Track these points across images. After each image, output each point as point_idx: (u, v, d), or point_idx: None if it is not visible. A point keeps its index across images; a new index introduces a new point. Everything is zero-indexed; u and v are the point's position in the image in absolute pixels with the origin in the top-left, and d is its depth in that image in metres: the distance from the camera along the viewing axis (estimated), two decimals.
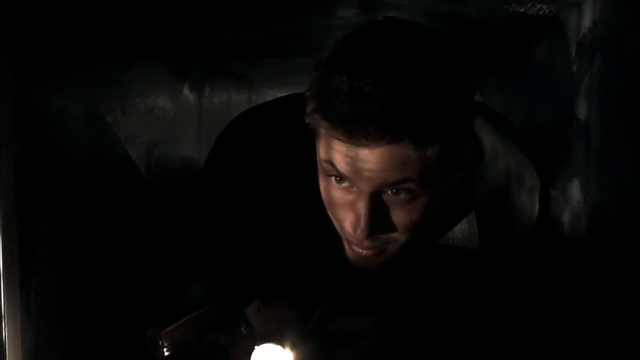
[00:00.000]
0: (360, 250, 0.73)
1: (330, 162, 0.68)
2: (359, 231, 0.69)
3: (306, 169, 0.76)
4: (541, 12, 0.91)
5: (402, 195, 0.68)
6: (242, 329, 0.80)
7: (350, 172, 0.66)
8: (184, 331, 0.76)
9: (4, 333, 0.64)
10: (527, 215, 0.83)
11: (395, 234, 0.71)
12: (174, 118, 1.21)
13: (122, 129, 0.94)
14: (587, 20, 0.84)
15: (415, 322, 0.81)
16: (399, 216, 0.70)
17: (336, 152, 0.66)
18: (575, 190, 0.87)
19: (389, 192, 0.68)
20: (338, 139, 0.65)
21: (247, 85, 1.90)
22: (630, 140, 0.73)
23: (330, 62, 0.66)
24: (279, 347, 0.73)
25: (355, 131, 0.63)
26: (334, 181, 0.70)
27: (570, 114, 0.89)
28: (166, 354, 0.70)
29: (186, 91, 1.30)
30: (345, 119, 0.63)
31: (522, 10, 0.90)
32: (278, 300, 0.86)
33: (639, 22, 0.72)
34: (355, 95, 0.62)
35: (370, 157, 0.64)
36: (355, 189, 0.68)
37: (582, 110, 0.85)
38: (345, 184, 0.69)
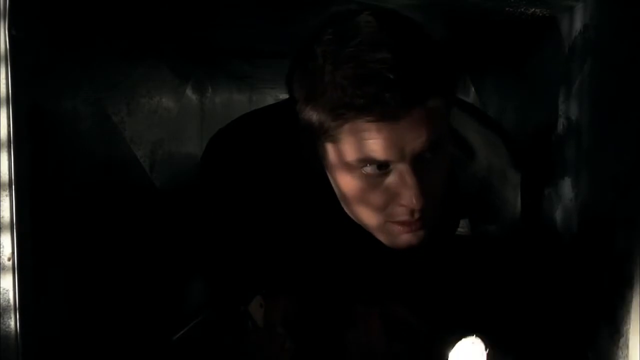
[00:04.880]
0: (411, 228, 0.73)
1: (368, 157, 0.68)
2: (414, 203, 0.69)
3: (297, 168, 0.78)
4: (534, 16, 0.93)
5: (436, 154, 0.70)
6: (249, 325, 0.83)
7: (393, 151, 0.67)
8: (193, 335, 0.78)
9: (17, 326, 0.67)
10: (511, 207, 0.86)
11: (433, 199, 0.73)
12: (177, 118, 1.23)
13: (128, 129, 0.97)
14: (578, 24, 0.86)
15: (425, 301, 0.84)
16: (434, 177, 0.72)
17: (372, 142, 0.67)
18: (567, 188, 0.89)
19: (426, 154, 0.69)
20: (376, 121, 0.66)
21: (248, 86, 1.92)
22: (619, 139, 0.75)
23: (326, 60, 0.67)
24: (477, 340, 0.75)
25: (395, 102, 0.65)
26: (372, 172, 0.70)
27: (562, 115, 0.91)
28: None
29: (189, 92, 1.32)
30: (379, 98, 0.64)
31: (516, 14, 0.92)
32: (278, 295, 0.88)
33: (627, 26, 0.74)
34: (375, 72, 0.64)
35: (411, 124, 0.66)
36: (393, 167, 0.69)
37: (573, 110, 0.88)
38: (385, 169, 0.70)
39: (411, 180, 0.69)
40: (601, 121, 0.81)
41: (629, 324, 0.71)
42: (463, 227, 0.85)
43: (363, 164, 0.69)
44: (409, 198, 0.70)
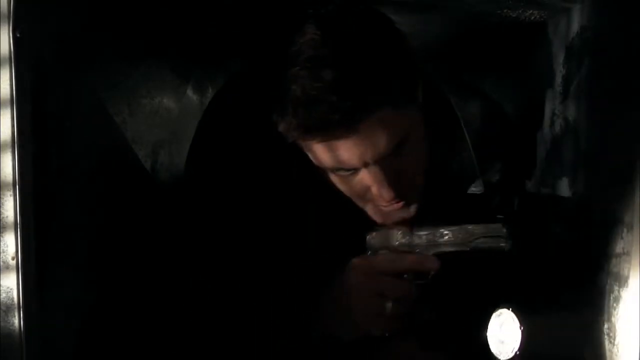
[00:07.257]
0: (392, 207, 0.77)
1: (336, 166, 0.73)
2: (384, 197, 0.74)
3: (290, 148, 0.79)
4: (532, 18, 0.94)
5: (404, 148, 0.73)
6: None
7: (356, 161, 0.71)
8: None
9: (20, 325, 0.67)
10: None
11: (411, 178, 0.77)
12: (178, 118, 1.24)
13: (129, 130, 0.97)
14: (575, 26, 0.87)
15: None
16: (407, 166, 0.75)
17: (335, 154, 0.70)
18: (564, 188, 0.90)
19: (392, 154, 0.72)
20: (329, 140, 0.69)
21: None
22: (616, 140, 0.76)
23: (278, 78, 0.69)
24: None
25: (341, 123, 0.67)
26: (344, 173, 0.74)
27: (560, 115, 0.92)
28: None
29: (189, 92, 1.32)
30: (325, 121, 0.66)
31: (514, 15, 0.93)
32: None
33: (624, 27, 0.75)
34: (319, 93, 0.65)
35: (366, 134, 0.68)
36: (364, 167, 0.73)
37: (571, 111, 0.89)
38: (355, 170, 0.74)
39: (379, 177, 0.73)
40: (598, 122, 0.81)
41: (626, 322, 0.71)
42: (477, 187, 0.88)
43: (334, 169, 0.74)
44: (378, 193, 0.74)
